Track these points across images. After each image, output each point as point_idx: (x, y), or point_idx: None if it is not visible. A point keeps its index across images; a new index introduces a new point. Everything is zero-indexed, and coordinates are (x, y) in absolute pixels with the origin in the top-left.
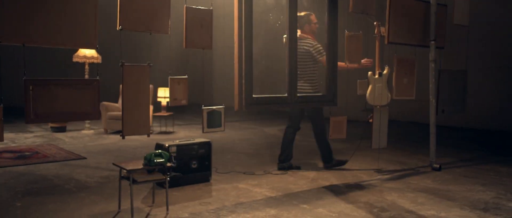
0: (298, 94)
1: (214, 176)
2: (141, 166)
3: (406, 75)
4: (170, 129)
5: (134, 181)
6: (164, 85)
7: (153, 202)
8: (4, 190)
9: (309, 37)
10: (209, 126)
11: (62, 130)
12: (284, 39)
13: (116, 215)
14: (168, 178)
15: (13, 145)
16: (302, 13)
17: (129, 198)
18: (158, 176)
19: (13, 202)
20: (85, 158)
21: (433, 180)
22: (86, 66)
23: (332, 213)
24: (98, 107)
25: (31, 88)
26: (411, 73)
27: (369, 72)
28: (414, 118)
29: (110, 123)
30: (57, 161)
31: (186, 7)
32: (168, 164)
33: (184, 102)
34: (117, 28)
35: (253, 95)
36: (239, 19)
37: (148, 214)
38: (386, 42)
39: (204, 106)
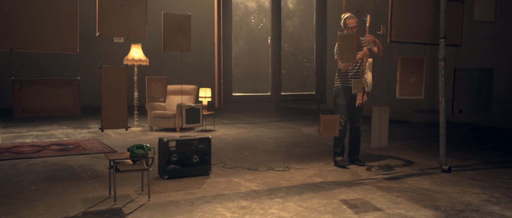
0: (282, 93)
1: (216, 170)
2: (124, 157)
3: (413, 74)
4: (211, 127)
5: (117, 170)
6: (205, 85)
7: (142, 190)
8: (31, 175)
9: None
10: (187, 122)
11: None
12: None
13: (104, 200)
14: (150, 169)
15: (66, 138)
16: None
17: (119, 185)
18: (140, 166)
19: (30, 186)
20: (116, 152)
21: (432, 181)
22: (135, 69)
23: (299, 207)
24: (78, 104)
25: (18, 87)
26: (420, 73)
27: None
28: (450, 118)
29: (155, 121)
30: (90, 154)
31: (164, 13)
32: (149, 156)
33: (161, 100)
34: (96, 35)
35: (233, 94)
36: (218, 23)
37: (132, 200)
38: (388, 41)
39: (182, 104)
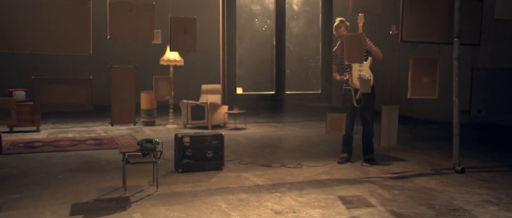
0: (287, 92)
1: (231, 166)
2: (135, 150)
3: (426, 74)
4: (242, 125)
5: (127, 162)
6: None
7: (153, 182)
8: (61, 166)
9: None
10: (193, 118)
11: (151, 124)
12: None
13: (117, 189)
14: (159, 161)
15: (103, 134)
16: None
17: (136, 176)
18: (149, 159)
19: (57, 175)
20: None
21: (440, 181)
22: (171, 69)
23: (294, 201)
24: (91, 100)
25: (37, 85)
26: (433, 72)
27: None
28: (485, 119)
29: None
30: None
31: (170, 16)
32: (158, 149)
33: (168, 97)
34: (107, 38)
35: (237, 92)
36: (222, 26)
37: (141, 191)
38: (399, 40)
39: (186, 102)
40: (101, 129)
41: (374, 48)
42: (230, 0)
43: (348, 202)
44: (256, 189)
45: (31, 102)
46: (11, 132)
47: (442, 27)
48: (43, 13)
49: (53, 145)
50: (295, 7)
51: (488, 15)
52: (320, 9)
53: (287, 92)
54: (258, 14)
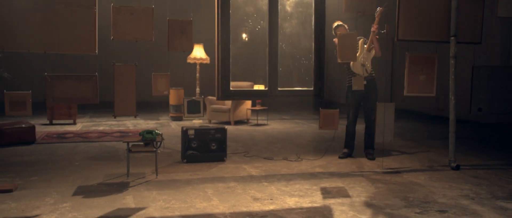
0: (279, 89)
1: (235, 158)
2: (137, 140)
3: (423, 72)
4: (264, 122)
5: (130, 151)
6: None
7: (157, 170)
8: (83, 155)
9: None
10: (189, 112)
11: (179, 119)
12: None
13: (121, 176)
14: (159, 151)
15: (132, 127)
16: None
17: (141, 165)
18: (150, 148)
19: (76, 162)
20: (163, 140)
21: (429, 176)
22: (198, 67)
23: (277, 190)
24: (96, 94)
25: (49, 80)
26: (431, 71)
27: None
28: (501, 118)
29: (212, 114)
30: None
31: (168, 19)
32: (158, 140)
33: (166, 93)
34: (111, 39)
35: (231, 89)
36: (217, 28)
37: (142, 177)
38: (395, 40)
39: (185, 97)
40: (131, 123)
41: (378, 46)
42: (224, 2)
43: (327, 192)
44: (248, 179)
45: None
46: (51, 124)
47: (439, 26)
48: (54, 17)
49: (82, 136)
50: (288, 8)
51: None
52: (313, 10)
53: (279, 89)
54: (251, 15)
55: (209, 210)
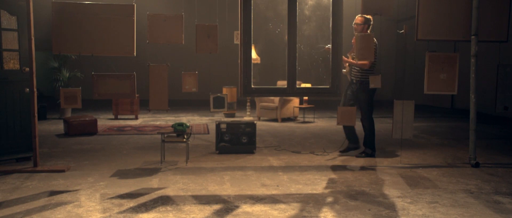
0: (298, 86)
1: (264, 150)
2: (170, 131)
3: (443, 71)
4: (311, 119)
5: (164, 141)
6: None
7: (187, 158)
8: (132, 145)
9: None
10: (214, 107)
11: (231, 115)
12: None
13: (156, 163)
14: (188, 141)
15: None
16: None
17: (177, 154)
18: (181, 139)
19: (124, 151)
20: (208, 133)
21: (442, 172)
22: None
23: (286, 178)
24: (134, 90)
25: (95, 79)
26: (452, 69)
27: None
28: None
29: (262, 111)
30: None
31: (196, 24)
32: (188, 131)
33: (194, 89)
34: (146, 42)
35: (252, 86)
36: (240, 31)
37: (175, 164)
38: (415, 39)
39: (210, 93)
40: (186, 119)
41: (356, 64)
42: (246, 8)
43: (332, 182)
44: (266, 169)
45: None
46: (115, 118)
47: (461, 25)
48: (100, 24)
49: (138, 130)
50: (307, 12)
51: None
52: (330, 12)
53: (298, 87)
54: (272, 19)
55: (218, 192)
